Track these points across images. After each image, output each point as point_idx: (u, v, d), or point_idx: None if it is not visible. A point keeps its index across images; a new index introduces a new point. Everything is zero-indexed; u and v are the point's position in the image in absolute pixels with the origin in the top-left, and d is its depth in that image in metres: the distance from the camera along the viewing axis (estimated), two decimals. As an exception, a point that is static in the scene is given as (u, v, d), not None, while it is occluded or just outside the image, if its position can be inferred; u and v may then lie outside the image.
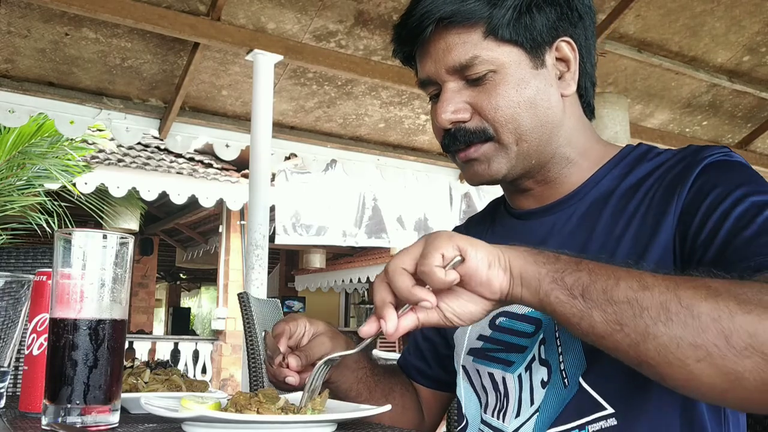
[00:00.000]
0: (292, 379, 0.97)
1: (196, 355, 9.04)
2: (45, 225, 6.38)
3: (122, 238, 0.82)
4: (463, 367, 1.07)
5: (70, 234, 0.81)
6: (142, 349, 8.69)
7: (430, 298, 0.75)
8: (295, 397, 0.86)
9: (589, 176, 1.01)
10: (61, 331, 0.78)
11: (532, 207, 1.06)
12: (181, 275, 16.70)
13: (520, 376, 0.97)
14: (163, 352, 8.73)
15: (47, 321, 0.84)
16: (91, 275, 0.80)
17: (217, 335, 9.28)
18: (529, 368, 0.97)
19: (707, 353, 0.66)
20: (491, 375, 1.02)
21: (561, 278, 0.74)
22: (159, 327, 16.29)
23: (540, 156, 0.98)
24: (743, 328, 0.66)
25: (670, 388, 0.71)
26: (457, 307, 0.78)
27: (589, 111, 1.06)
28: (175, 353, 8.84)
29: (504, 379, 1.00)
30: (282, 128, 4.75)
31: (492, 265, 0.75)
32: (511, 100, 0.94)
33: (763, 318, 0.66)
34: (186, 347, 9.03)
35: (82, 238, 0.81)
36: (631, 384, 0.87)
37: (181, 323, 13.90)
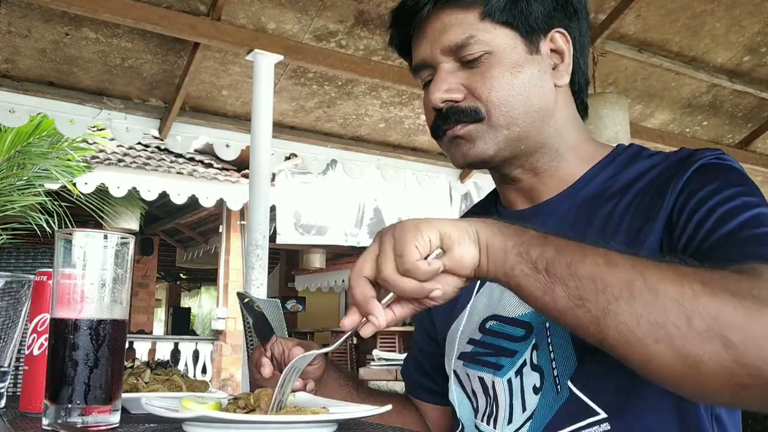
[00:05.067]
0: (297, 383, 0.97)
1: (196, 355, 9.04)
2: (45, 225, 6.38)
3: (123, 238, 0.82)
4: (454, 371, 1.06)
5: (70, 234, 0.81)
6: (142, 349, 8.69)
7: (379, 318, 0.75)
8: (291, 399, 0.86)
9: (580, 175, 1.00)
10: (61, 331, 0.78)
11: (522, 206, 1.05)
12: (181, 275, 16.69)
13: (509, 381, 0.96)
14: (164, 352, 8.73)
15: (48, 321, 0.84)
16: (92, 275, 0.80)
17: (217, 335, 9.28)
18: (519, 373, 0.95)
19: (667, 334, 0.65)
20: (481, 379, 1.01)
21: (527, 251, 0.73)
22: (159, 327, 16.28)
23: (529, 142, 0.98)
24: (706, 310, 0.64)
25: (633, 369, 0.70)
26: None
27: (582, 109, 1.06)
28: (175, 353, 8.84)
29: (493, 383, 0.99)
30: (282, 128, 4.74)
31: (461, 241, 0.75)
32: (506, 82, 0.94)
33: (727, 302, 0.64)
34: (186, 347, 9.03)
35: (83, 238, 0.81)
36: (623, 388, 0.86)
37: (181, 323, 13.88)
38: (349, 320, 0.78)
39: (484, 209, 1.15)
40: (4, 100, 3.97)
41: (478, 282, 1.03)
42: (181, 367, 8.57)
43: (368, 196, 8.73)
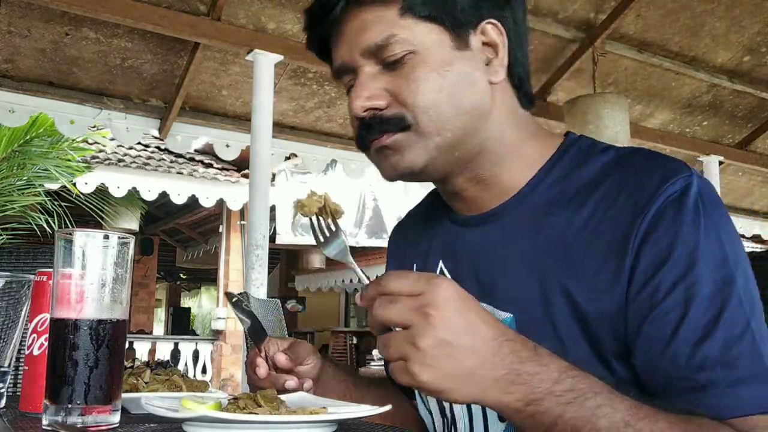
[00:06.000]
0: (292, 383, 0.97)
1: (196, 355, 9.04)
2: (45, 225, 6.38)
3: (123, 238, 0.82)
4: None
5: (71, 234, 0.81)
6: (142, 349, 8.69)
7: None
8: (292, 399, 0.86)
9: (527, 180, 0.93)
10: (61, 331, 0.78)
11: (469, 213, 0.98)
12: (182, 275, 16.69)
13: (468, 404, 0.92)
14: (163, 352, 8.73)
15: (48, 321, 0.84)
16: (92, 275, 0.80)
17: (217, 335, 9.28)
18: None
19: None
20: (439, 400, 0.97)
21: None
22: (159, 327, 16.29)
23: (464, 148, 0.90)
24: None
25: None
26: None
27: (527, 101, 0.97)
28: (175, 353, 8.84)
29: (451, 405, 0.95)
30: (282, 128, 4.74)
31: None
32: (433, 84, 0.86)
33: None
34: (186, 347, 9.03)
35: (83, 238, 0.81)
36: None
37: (181, 323, 13.89)
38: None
39: (433, 209, 1.08)
40: (4, 100, 3.97)
41: None
42: (181, 367, 8.57)
43: (368, 196, 8.73)
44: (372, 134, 0.89)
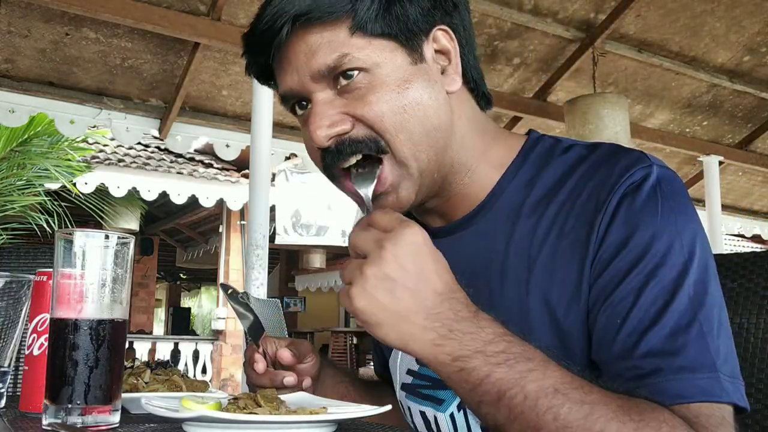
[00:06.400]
0: (291, 379, 0.97)
1: (196, 355, 9.04)
2: (45, 225, 6.39)
3: (123, 238, 0.82)
4: (400, 402, 1.03)
5: (71, 234, 0.81)
6: (142, 349, 8.70)
7: None
8: (292, 399, 0.86)
9: (493, 185, 0.91)
10: (61, 331, 0.78)
11: (437, 225, 0.96)
12: (182, 275, 16.69)
13: (452, 416, 0.92)
14: (164, 352, 8.74)
15: (48, 321, 0.84)
16: (92, 275, 0.80)
17: (217, 335, 9.28)
18: (462, 407, 0.91)
19: None
20: (423, 414, 0.96)
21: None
22: (159, 327, 16.29)
23: (440, 168, 0.87)
24: None
25: None
26: None
27: (485, 102, 0.95)
28: (175, 353, 8.84)
29: (435, 418, 0.94)
30: (282, 128, 4.74)
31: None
32: (395, 105, 0.82)
33: None
34: (186, 347, 9.03)
35: (83, 238, 0.81)
36: None
37: (181, 323, 13.90)
38: None
39: None
40: (5, 100, 3.97)
41: None
42: (181, 367, 8.58)
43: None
44: (343, 158, 0.84)
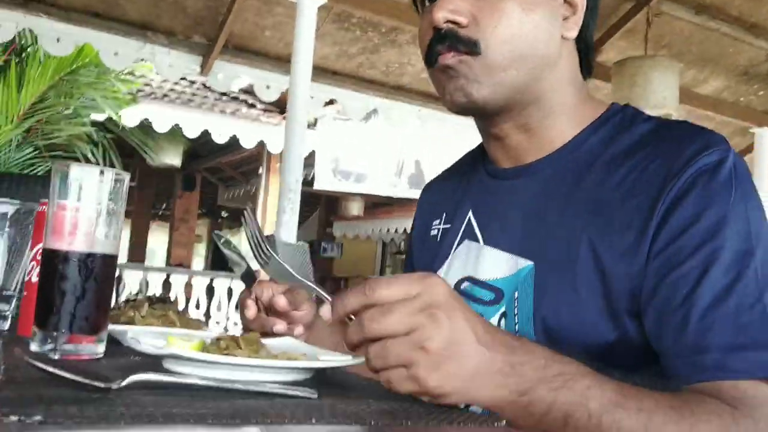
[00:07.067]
0: (280, 327, 0.98)
1: (230, 293, 9.22)
2: (90, 155, 6.52)
3: (118, 174, 0.83)
4: None
5: (67, 167, 0.81)
6: (179, 282, 8.87)
7: None
8: (277, 344, 0.87)
9: (570, 137, 0.94)
10: (52, 261, 0.79)
11: (506, 165, 0.99)
12: (222, 214, 16.96)
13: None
14: (200, 287, 8.90)
15: (44, 250, 0.85)
16: (86, 208, 0.81)
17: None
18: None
19: None
20: None
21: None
22: (199, 262, 16.65)
23: (525, 92, 0.91)
24: None
25: None
26: None
27: (586, 71, 1.00)
28: (210, 289, 9.01)
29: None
30: (324, 72, 4.71)
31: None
32: (515, 20, 0.87)
33: None
34: (220, 284, 9.19)
35: (80, 172, 0.81)
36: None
37: (220, 260, 14.16)
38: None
39: (471, 166, 1.10)
40: (51, 28, 4.02)
41: (456, 241, 1.01)
42: (214, 303, 8.75)
43: (409, 146, 8.68)
44: (442, 44, 0.89)
